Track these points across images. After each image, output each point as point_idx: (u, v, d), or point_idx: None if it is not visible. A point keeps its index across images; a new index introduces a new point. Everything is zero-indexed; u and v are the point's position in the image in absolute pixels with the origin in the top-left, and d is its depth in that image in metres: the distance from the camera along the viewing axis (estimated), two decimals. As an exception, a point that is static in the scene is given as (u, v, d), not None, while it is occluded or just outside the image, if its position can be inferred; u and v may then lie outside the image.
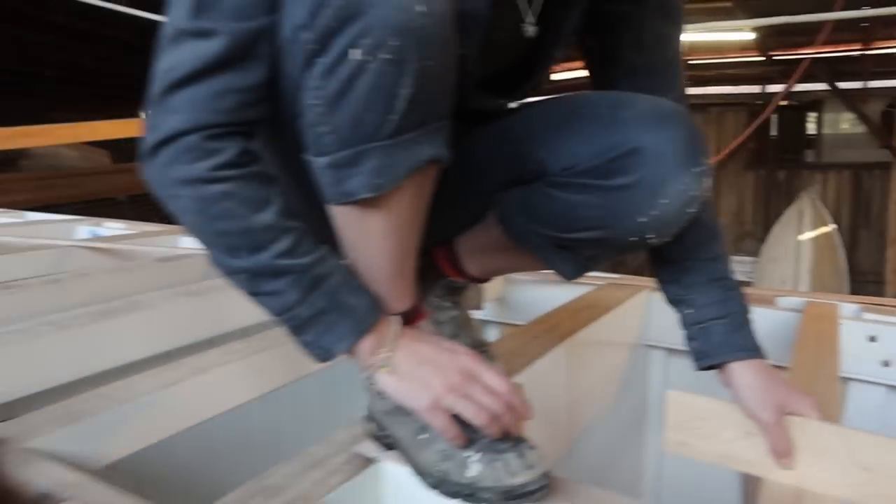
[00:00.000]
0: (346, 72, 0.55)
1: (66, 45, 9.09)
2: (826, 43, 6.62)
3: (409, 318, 0.70)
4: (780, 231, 6.76)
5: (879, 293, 6.45)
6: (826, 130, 8.45)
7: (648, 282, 1.66)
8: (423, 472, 0.67)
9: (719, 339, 0.82)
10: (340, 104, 0.56)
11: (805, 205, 6.67)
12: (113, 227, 2.12)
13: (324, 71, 0.56)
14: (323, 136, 0.58)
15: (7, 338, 1.03)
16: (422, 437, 0.67)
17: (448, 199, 0.73)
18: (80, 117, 5.48)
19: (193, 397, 0.92)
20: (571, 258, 0.81)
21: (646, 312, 1.61)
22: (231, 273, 0.64)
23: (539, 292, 1.68)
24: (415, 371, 0.65)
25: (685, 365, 1.62)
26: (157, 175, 0.61)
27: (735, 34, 7.33)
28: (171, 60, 0.59)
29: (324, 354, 0.65)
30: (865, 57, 7.11)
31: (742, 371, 0.81)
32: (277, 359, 1.06)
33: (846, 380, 1.46)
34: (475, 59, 0.72)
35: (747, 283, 4.59)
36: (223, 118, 0.59)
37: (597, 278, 1.69)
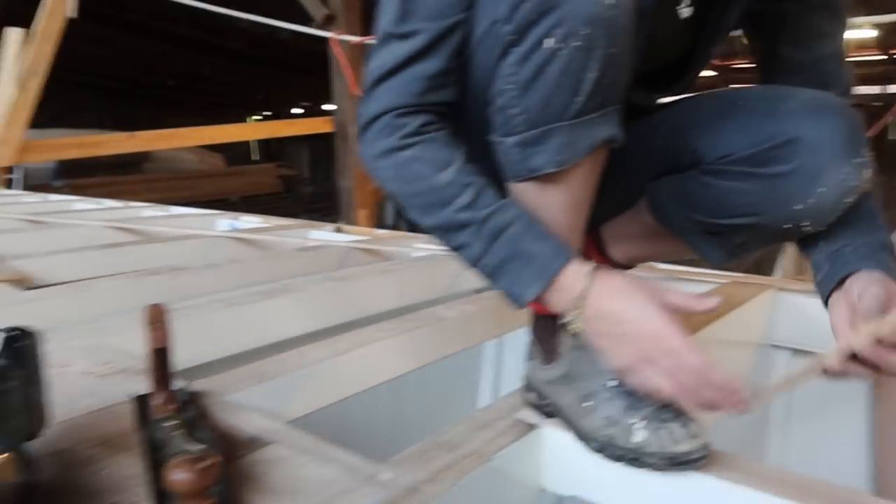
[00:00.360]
0: (540, 59, 0.62)
1: (187, 56, 9.71)
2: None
3: None
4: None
5: None
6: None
7: (773, 280, 1.64)
8: (586, 438, 0.72)
9: (848, 258, 0.77)
10: (532, 88, 0.63)
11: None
12: (249, 221, 2.29)
13: (519, 59, 0.63)
14: (514, 118, 0.65)
15: (186, 312, 1.16)
16: (586, 404, 0.72)
17: (600, 188, 0.78)
18: (197, 123, 5.83)
19: (359, 367, 1.01)
20: (721, 244, 0.84)
21: (771, 312, 1.59)
22: (429, 232, 0.72)
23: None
24: (608, 331, 0.66)
25: (812, 366, 1.60)
26: (365, 152, 0.72)
27: (854, 32, 6.97)
28: (379, 60, 0.69)
29: (517, 301, 0.69)
30: None
31: (867, 281, 0.73)
32: (427, 336, 1.14)
33: None
34: (641, 50, 0.77)
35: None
36: (411, 100, 0.69)
37: (721, 276, 1.69)
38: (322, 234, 2.09)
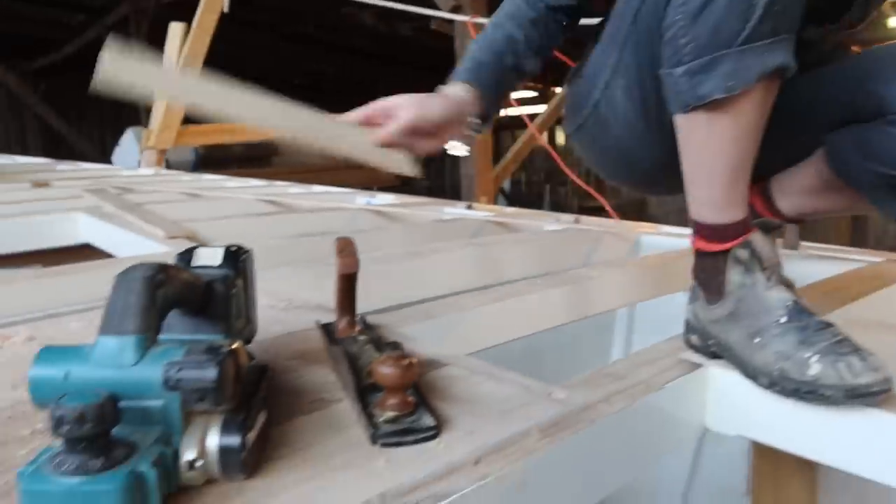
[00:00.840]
0: None
1: (313, 55, 10.18)
2: None
3: (742, 230, 0.76)
4: None
5: None
6: None
7: (937, 262, 1.54)
8: (757, 373, 0.72)
9: None
10: (702, 16, 0.65)
11: None
12: (384, 198, 2.40)
13: None
14: (683, 48, 0.67)
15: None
16: (756, 340, 0.73)
17: (770, 137, 0.78)
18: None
19: (511, 316, 1.05)
20: None
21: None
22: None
23: (807, 266, 1.64)
24: None
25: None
26: None
27: None
28: None
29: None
30: None
31: None
32: (571, 296, 1.17)
33: None
34: None
35: None
36: None
37: (874, 253, 1.61)
38: (455, 210, 2.16)
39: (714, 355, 0.79)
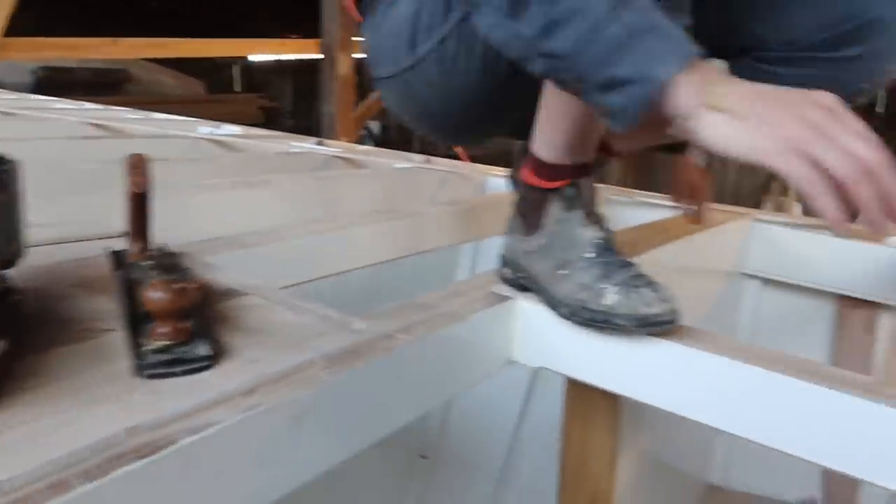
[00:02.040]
0: None
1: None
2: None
3: (578, 173, 0.76)
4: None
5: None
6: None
7: (751, 210, 1.66)
8: (558, 304, 0.73)
9: None
10: None
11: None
12: (229, 129, 2.25)
13: None
14: None
15: (162, 195, 1.15)
16: (561, 272, 0.73)
17: None
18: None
19: (335, 249, 1.01)
20: None
21: (745, 240, 1.62)
22: None
23: (637, 213, 1.71)
24: (758, 107, 0.54)
25: (779, 296, 1.65)
26: None
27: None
28: None
29: (642, 88, 0.55)
30: None
31: None
32: (405, 230, 1.14)
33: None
34: None
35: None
36: None
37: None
38: (304, 144, 2.07)
39: (523, 287, 0.80)
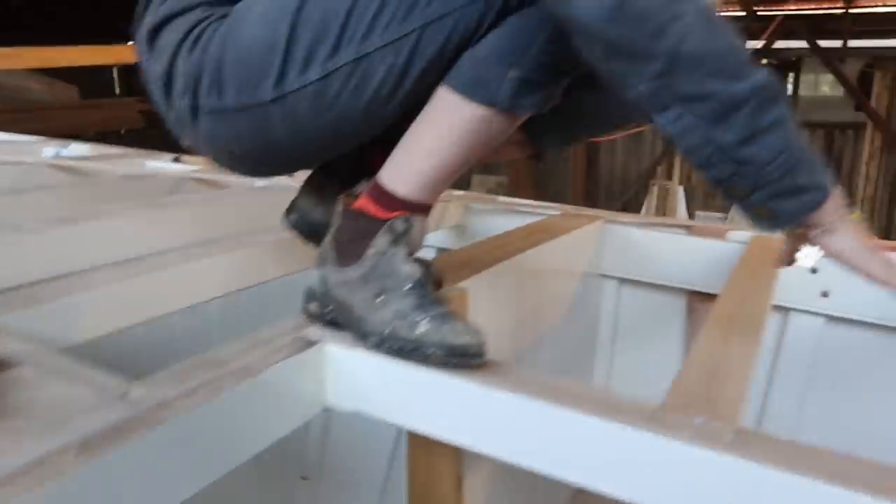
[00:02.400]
0: None
1: (33, -27, 8.74)
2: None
3: (415, 208, 0.78)
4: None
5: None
6: (804, 92, 8.53)
7: (602, 213, 1.72)
8: (369, 333, 0.73)
9: None
10: None
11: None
12: (77, 149, 2.12)
13: None
14: None
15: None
16: (380, 299, 0.73)
17: None
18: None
19: (152, 291, 0.96)
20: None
21: (599, 242, 1.67)
22: (738, 102, 0.62)
23: (498, 220, 1.73)
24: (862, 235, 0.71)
25: (636, 294, 1.71)
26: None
27: (718, -12, 7.29)
28: None
29: (814, 197, 0.67)
30: (847, 15, 7.12)
31: None
32: (238, 263, 1.10)
33: (786, 310, 1.54)
34: None
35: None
36: None
37: (552, 208, 1.74)
38: (158, 163, 1.97)
39: (331, 322, 0.78)
